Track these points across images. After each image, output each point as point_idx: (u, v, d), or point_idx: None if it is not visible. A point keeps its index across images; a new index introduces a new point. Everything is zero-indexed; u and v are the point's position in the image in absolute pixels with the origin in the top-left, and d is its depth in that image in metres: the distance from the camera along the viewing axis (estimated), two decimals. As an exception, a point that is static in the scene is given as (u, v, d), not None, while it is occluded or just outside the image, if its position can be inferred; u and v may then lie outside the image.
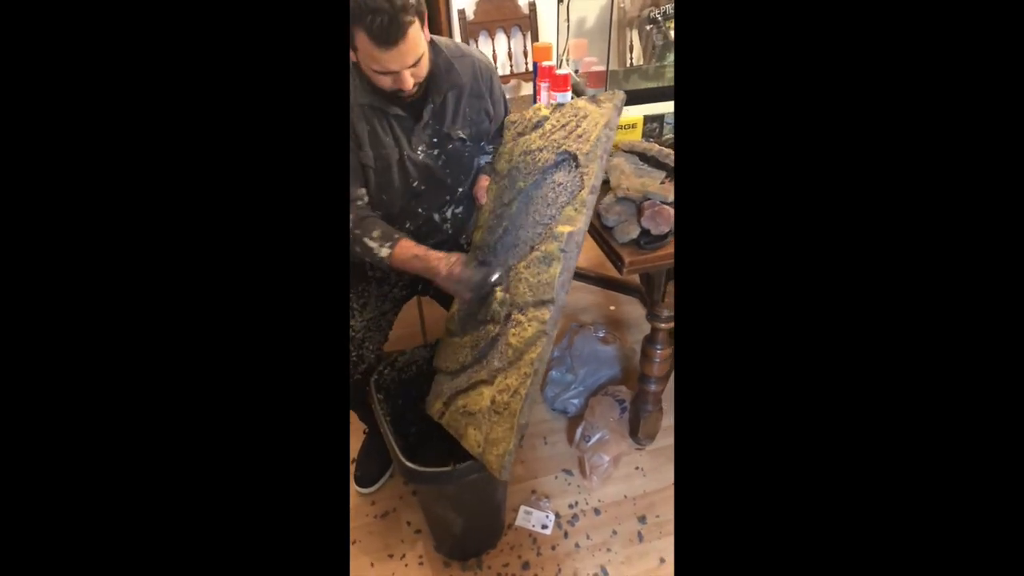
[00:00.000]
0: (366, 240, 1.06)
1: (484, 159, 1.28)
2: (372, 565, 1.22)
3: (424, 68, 1.02)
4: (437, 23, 2.24)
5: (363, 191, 1.11)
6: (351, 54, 0.99)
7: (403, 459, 0.98)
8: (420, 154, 1.12)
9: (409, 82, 1.00)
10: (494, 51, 2.24)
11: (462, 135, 1.15)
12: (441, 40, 1.13)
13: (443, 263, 1.03)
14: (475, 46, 2.18)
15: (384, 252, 1.05)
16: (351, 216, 1.08)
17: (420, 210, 1.17)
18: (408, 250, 1.05)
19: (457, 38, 2.17)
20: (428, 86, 1.09)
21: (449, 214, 1.22)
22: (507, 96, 2.31)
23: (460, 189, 1.20)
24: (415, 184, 1.14)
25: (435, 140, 1.13)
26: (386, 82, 1.00)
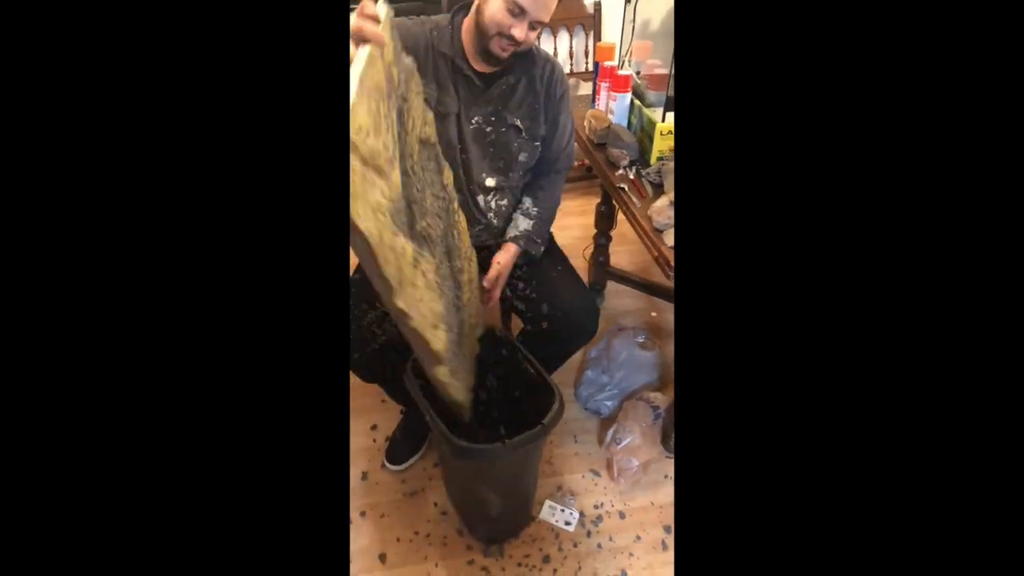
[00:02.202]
0: None
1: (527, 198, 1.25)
2: (398, 540, 1.26)
3: (533, 38, 1.06)
4: (502, 18, 2.26)
5: None
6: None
7: (453, 438, 1.00)
8: (473, 124, 1.13)
9: (523, 34, 1.01)
10: (555, 49, 2.24)
11: (519, 124, 1.16)
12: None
13: None
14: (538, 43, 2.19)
15: None
16: None
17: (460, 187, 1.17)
18: None
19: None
20: (508, 67, 1.12)
21: (493, 204, 1.21)
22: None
23: (503, 179, 1.19)
24: (458, 149, 1.15)
25: (493, 118, 1.14)
26: (500, 41, 1.03)
